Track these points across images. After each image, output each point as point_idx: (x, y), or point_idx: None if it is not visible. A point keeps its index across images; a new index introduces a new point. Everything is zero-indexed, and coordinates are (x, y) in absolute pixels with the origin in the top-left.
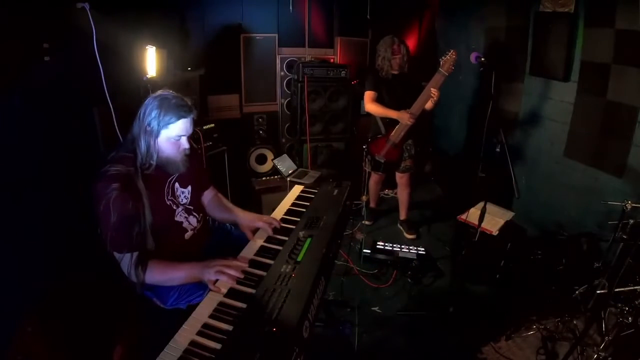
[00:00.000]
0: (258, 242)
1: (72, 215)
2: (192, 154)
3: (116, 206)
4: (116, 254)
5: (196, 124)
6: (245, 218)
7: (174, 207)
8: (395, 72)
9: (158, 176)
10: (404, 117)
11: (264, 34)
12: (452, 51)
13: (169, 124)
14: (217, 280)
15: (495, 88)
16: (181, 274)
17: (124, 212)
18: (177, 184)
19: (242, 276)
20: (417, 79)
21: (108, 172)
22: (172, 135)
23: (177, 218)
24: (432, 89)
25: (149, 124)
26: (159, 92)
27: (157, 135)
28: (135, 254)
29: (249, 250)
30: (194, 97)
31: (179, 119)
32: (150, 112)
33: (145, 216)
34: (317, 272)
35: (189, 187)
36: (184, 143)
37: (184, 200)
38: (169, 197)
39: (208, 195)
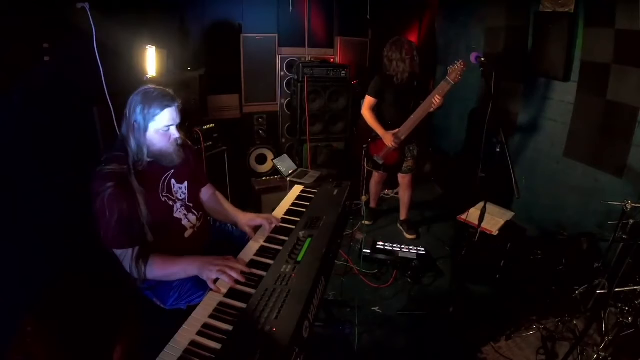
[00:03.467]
0: (258, 242)
1: (72, 215)
2: (189, 150)
3: (111, 204)
4: (117, 251)
5: (196, 124)
6: (244, 217)
7: (171, 203)
8: (407, 77)
9: (152, 173)
10: (387, 140)
11: (264, 34)
12: (460, 61)
13: (155, 116)
14: (217, 279)
15: (495, 88)
16: (180, 268)
17: (120, 209)
18: (173, 180)
19: (241, 279)
20: (424, 90)
21: (102, 171)
22: (160, 126)
23: (176, 215)
24: (436, 96)
25: (135, 121)
26: (140, 88)
27: (145, 130)
28: (137, 248)
29: (249, 251)
30: (194, 97)
31: (163, 109)
32: (134, 109)
33: (141, 212)
34: (317, 272)
35: (186, 183)
36: (174, 133)
37: (182, 196)
38: (163, 194)
39: (206, 193)
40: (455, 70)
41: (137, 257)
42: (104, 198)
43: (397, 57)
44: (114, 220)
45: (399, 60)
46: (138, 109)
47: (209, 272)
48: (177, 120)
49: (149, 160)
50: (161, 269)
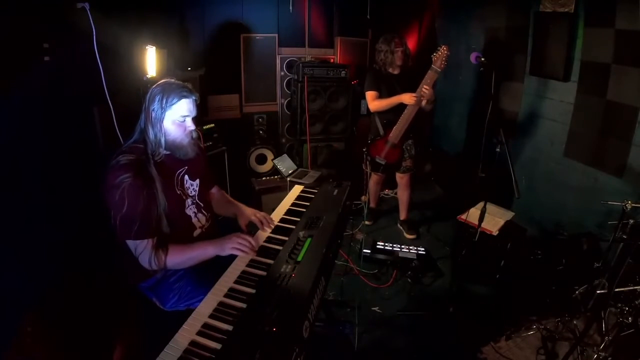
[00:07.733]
0: (258, 241)
1: (72, 215)
2: (200, 151)
3: (131, 195)
4: (136, 242)
5: (196, 124)
6: (244, 212)
7: (184, 198)
8: (397, 70)
9: (168, 166)
10: (405, 97)
11: (264, 34)
12: (443, 47)
13: (172, 105)
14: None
15: (495, 88)
16: (198, 251)
17: (140, 200)
18: (186, 176)
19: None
20: (418, 81)
21: (120, 162)
22: (176, 116)
23: (187, 211)
24: (424, 87)
25: (153, 110)
26: (161, 80)
27: (162, 119)
28: (155, 239)
29: None
30: None
31: (180, 99)
32: (153, 98)
33: (159, 201)
34: (317, 272)
35: (197, 181)
36: (190, 124)
37: (193, 193)
38: (178, 187)
39: (214, 195)
40: (439, 57)
41: (156, 247)
42: (124, 189)
43: (385, 48)
44: (134, 212)
45: (388, 51)
46: (157, 98)
47: (230, 243)
48: (194, 113)
49: (166, 152)
50: (180, 255)
